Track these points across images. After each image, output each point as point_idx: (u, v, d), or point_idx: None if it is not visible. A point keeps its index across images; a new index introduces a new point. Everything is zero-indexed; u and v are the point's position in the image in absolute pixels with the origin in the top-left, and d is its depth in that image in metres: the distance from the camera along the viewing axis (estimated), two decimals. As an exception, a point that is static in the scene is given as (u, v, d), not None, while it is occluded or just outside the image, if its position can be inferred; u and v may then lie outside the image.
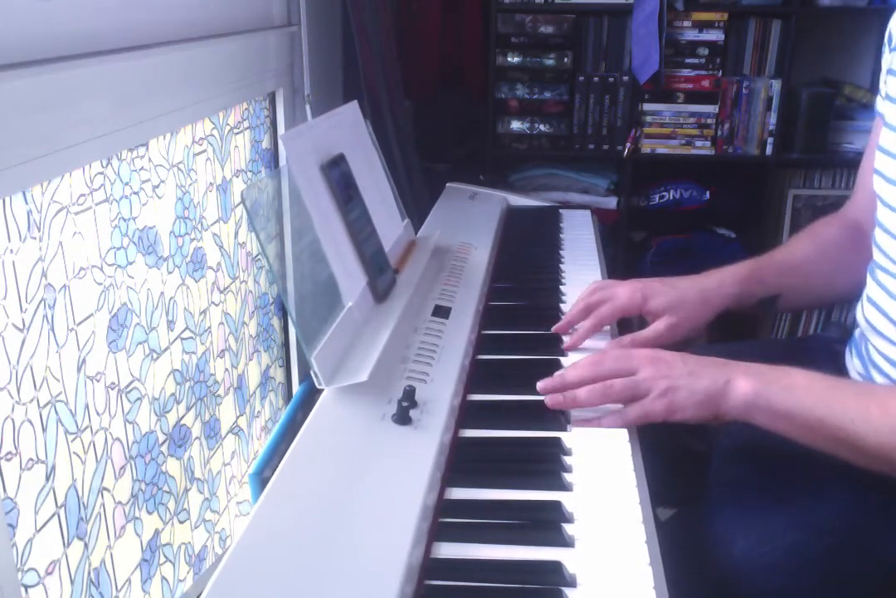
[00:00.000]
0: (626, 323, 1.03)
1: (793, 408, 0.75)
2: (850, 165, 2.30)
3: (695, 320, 0.99)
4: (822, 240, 1.09)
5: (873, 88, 2.34)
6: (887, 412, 0.72)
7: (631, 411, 0.79)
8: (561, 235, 1.42)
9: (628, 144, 2.26)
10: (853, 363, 0.98)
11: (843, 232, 1.08)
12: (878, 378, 0.90)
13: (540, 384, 0.83)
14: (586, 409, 0.81)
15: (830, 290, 1.11)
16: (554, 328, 1.00)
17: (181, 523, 1.09)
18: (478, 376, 0.90)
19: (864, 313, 0.94)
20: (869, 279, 0.93)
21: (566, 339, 0.99)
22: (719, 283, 1.01)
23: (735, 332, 1.17)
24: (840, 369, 1.00)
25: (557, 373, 0.84)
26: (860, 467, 0.75)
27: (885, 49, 0.95)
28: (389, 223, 1.11)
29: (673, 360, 0.80)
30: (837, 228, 1.09)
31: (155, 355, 1.00)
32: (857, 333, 0.99)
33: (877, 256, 0.91)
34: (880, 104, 0.96)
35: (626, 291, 0.99)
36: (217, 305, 1.19)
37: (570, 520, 0.66)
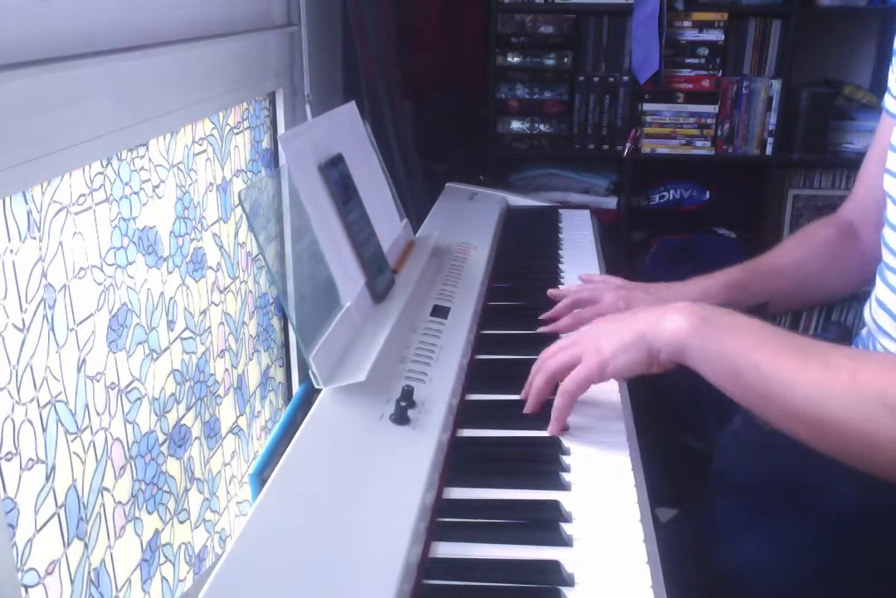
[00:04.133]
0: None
1: (725, 350, 0.70)
2: (850, 165, 2.30)
3: None
4: (814, 241, 1.09)
5: (873, 88, 2.34)
6: (829, 372, 0.66)
7: (568, 384, 0.77)
8: (560, 235, 1.42)
9: (628, 144, 2.26)
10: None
11: (837, 233, 1.08)
12: None
13: (520, 395, 0.85)
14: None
15: (821, 291, 1.11)
16: (542, 316, 1.03)
17: (181, 523, 1.09)
18: (476, 375, 0.90)
19: (871, 313, 0.93)
20: (878, 280, 0.93)
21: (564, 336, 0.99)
22: (703, 293, 1.01)
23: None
24: None
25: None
26: (781, 425, 0.70)
27: None
28: (388, 223, 1.11)
29: (615, 317, 0.80)
30: (832, 228, 1.09)
31: (155, 355, 1.00)
32: (863, 332, 0.99)
33: (886, 256, 0.91)
34: (890, 103, 0.96)
35: (611, 298, 1.00)
36: (217, 305, 1.19)
37: (568, 520, 0.66)
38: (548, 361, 0.81)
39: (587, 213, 1.58)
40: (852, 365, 0.65)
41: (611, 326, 0.79)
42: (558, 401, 0.78)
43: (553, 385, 0.81)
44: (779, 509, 0.83)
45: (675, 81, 2.24)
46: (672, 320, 0.73)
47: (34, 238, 0.76)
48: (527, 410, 0.82)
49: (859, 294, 1.02)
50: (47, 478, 0.78)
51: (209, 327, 1.17)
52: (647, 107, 2.26)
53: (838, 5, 2.19)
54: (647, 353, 0.74)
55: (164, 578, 1.04)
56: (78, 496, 0.83)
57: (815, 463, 0.77)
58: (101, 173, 0.87)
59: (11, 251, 0.72)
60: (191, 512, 1.12)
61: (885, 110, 0.98)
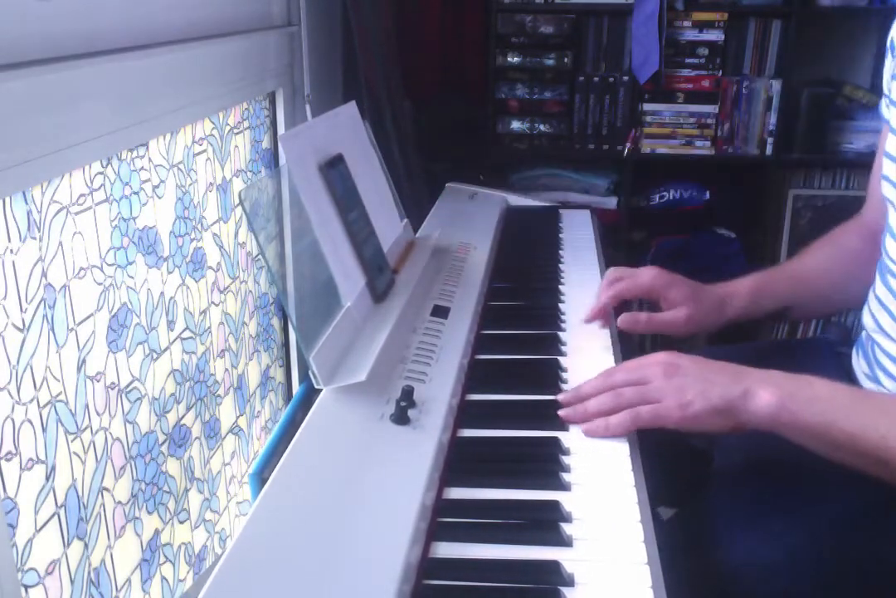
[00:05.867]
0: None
1: (820, 423, 0.74)
2: (850, 165, 2.30)
3: (708, 321, 1.01)
4: (840, 249, 1.09)
5: (873, 89, 2.33)
6: None
7: (644, 411, 0.76)
8: (561, 235, 1.42)
9: (628, 144, 2.26)
10: (860, 364, 0.98)
11: (859, 240, 1.08)
12: (885, 380, 0.90)
13: (560, 397, 0.83)
14: None
15: (843, 299, 1.12)
16: (587, 318, 1.01)
17: (181, 523, 1.09)
18: (476, 375, 0.90)
19: (872, 314, 0.93)
20: (878, 282, 0.93)
21: (566, 338, 0.99)
22: (732, 294, 1.03)
23: (735, 334, 1.17)
24: (846, 371, 1.00)
25: (575, 387, 0.84)
26: (878, 476, 0.74)
27: (889, 56, 0.95)
28: (388, 223, 1.11)
29: (687, 366, 0.78)
30: (856, 236, 1.09)
31: (155, 355, 1.00)
32: (863, 334, 0.99)
33: (887, 261, 0.91)
34: (886, 110, 0.96)
35: (650, 273, 1.01)
36: (217, 305, 1.20)
37: (568, 520, 0.66)
38: (625, 389, 0.79)
39: (587, 213, 1.58)
40: None
41: (693, 380, 0.77)
42: (627, 421, 0.76)
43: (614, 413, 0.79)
44: (778, 508, 0.83)
45: (675, 81, 2.24)
46: (760, 397, 0.75)
47: (34, 238, 0.76)
48: (567, 417, 0.80)
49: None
50: (47, 478, 0.78)
51: (209, 327, 1.17)
52: (647, 107, 2.26)
53: (838, 5, 2.20)
54: (735, 422, 0.76)
55: (164, 578, 1.04)
56: (78, 496, 0.83)
57: (814, 463, 0.77)
58: (101, 173, 0.87)
59: (11, 251, 0.72)
60: (191, 512, 1.12)
61: (882, 118, 0.98)
